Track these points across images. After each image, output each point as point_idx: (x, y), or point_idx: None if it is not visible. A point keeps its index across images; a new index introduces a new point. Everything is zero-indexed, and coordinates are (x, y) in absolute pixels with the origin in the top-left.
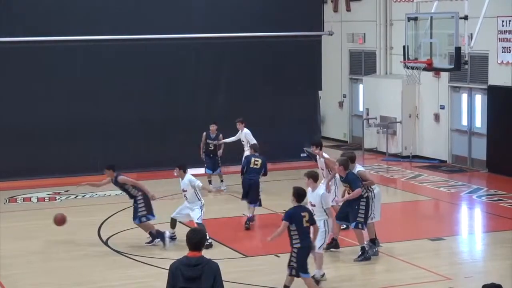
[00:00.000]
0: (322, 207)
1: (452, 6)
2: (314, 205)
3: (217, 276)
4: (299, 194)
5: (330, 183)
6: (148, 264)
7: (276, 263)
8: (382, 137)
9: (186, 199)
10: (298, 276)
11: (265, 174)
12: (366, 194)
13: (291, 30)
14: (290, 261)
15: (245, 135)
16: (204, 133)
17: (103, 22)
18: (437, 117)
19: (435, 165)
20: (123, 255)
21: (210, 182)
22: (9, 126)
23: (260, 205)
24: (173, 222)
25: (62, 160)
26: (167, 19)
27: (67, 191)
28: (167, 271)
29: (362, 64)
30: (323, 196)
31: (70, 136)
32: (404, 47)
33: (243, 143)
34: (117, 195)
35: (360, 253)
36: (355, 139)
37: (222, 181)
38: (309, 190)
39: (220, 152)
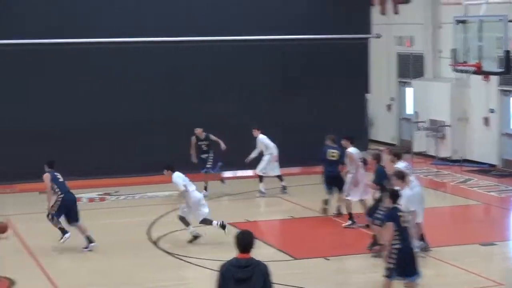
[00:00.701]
0: None
1: (500, 9)
2: None
3: (267, 277)
4: (394, 195)
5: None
6: (197, 265)
7: (325, 266)
8: (431, 141)
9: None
10: (392, 278)
11: (342, 163)
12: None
13: (339, 33)
14: (388, 262)
15: (260, 141)
16: (193, 137)
17: (134, 24)
18: (486, 121)
19: (484, 169)
20: (172, 255)
21: (206, 188)
22: (63, 126)
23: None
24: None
25: (113, 160)
26: (210, 21)
27: (116, 191)
28: (217, 272)
29: (410, 67)
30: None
31: (120, 136)
32: (452, 50)
33: (261, 149)
34: (166, 197)
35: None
36: (403, 143)
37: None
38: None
39: (222, 145)
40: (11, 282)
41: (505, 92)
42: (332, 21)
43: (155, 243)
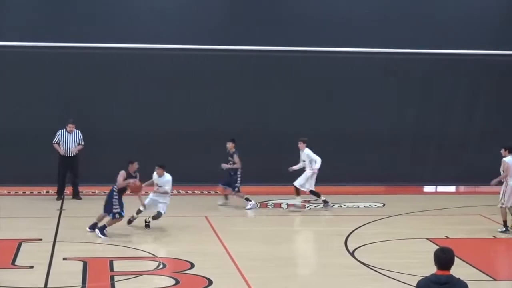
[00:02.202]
0: None
1: None
2: None
3: None
4: None
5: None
6: (394, 279)
7: None
8: None
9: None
10: None
11: None
12: None
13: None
14: None
15: (306, 154)
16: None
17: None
18: None
19: None
20: (369, 267)
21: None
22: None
23: None
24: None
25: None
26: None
27: (316, 199)
28: (413, 287)
29: None
30: None
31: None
32: None
33: (304, 162)
34: (366, 208)
35: None
36: None
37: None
38: None
39: (224, 166)
40: (210, 281)
41: None
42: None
43: (352, 253)
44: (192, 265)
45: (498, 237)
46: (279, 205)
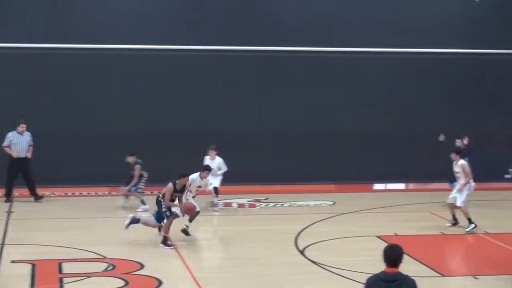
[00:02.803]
0: None
1: None
2: None
3: None
4: None
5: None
6: (344, 276)
7: (473, 285)
8: None
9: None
10: None
11: None
12: None
13: (498, 47)
14: None
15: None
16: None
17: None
18: None
19: None
20: (319, 265)
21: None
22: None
23: None
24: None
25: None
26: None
27: (267, 198)
28: (362, 285)
29: None
30: None
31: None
32: None
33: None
34: (315, 206)
35: None
36: None
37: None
38: None
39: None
40: (159, 282)
41: None
42: (493, 35)
43: (302, 252)
44: (142, 266)
45: (446, 234)
46: (229, 204)
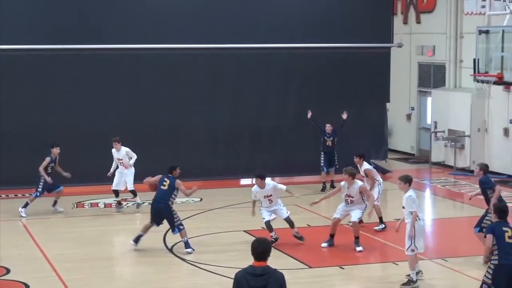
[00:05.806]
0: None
1: None
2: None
3: (283, 286)
4: (501, 211)
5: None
6: (212, 272)
7: (340, 274)
8: (450, 151)
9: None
10: None
11: None
12: None
13: (360, 42)
14: (484, 276)
15: (126, 153)
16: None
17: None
18: (506, 132)
19: (504, 180)
20: (188, 262)
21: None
22: (80, 131)
23: None
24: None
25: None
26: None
27: (133, 197)
28: (231, 280)
29: (431, 77)
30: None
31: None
32: (474, 60)
33: (121, 161)
34: (183, 203)
35: None
36: (422, 152)
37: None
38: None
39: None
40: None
41: None
42: (354, 30)
43: (170, 249)
44: (8, 271)
45: (312, 226)
46: (96, 204)
